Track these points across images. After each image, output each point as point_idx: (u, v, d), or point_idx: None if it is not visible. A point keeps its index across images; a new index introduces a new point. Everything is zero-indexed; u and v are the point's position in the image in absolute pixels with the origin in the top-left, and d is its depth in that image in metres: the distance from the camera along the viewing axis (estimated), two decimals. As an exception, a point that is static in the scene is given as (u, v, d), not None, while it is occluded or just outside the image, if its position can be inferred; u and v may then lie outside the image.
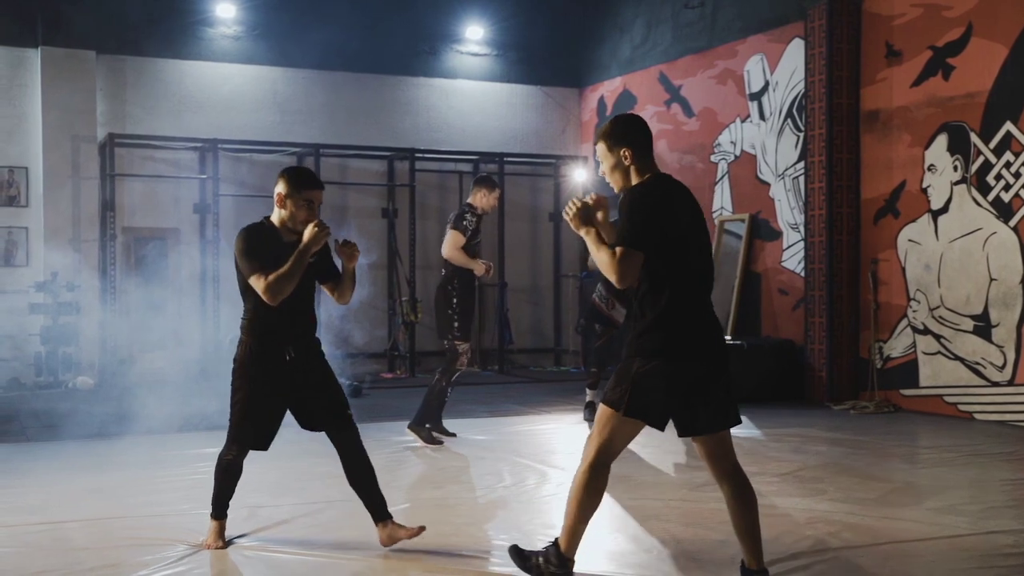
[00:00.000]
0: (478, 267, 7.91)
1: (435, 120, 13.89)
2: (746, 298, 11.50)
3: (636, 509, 5.73)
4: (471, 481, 6.56)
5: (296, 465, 6.99)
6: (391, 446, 7.57)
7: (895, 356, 9.80)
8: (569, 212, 4.03)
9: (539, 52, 14.34)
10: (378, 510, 4.73)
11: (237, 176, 12.79)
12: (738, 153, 11.78)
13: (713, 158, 12.13)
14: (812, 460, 7.14)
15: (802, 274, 10.65)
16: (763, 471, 6.74)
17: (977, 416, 8.98)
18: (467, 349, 7.88)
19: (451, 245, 7.88)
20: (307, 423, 4.78)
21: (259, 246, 4.56)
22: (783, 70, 11.09)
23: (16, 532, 5.14)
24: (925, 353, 9.51)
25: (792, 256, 10.98)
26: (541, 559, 4.08)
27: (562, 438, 8.19)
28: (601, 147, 4.08)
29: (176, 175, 12.61)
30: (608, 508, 5.75)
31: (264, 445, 4.74)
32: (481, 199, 8.00)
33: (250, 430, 4.68)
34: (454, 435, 7.97)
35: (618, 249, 3.83)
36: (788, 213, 11.05)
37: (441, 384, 7.80)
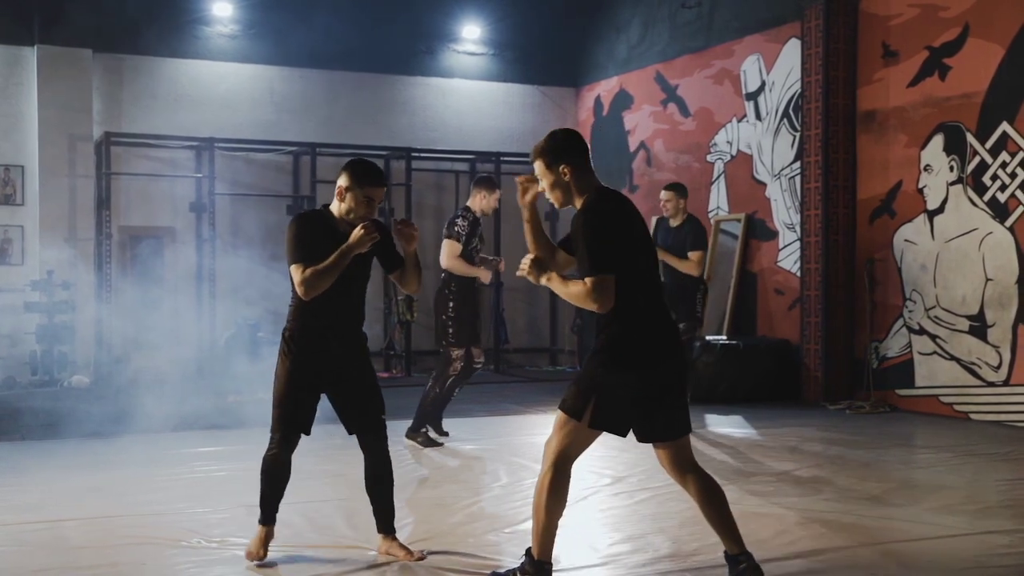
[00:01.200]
0: (482, 274, 7.78)
1: (432, 119, 13.88)
2: (742, 298, 11.51)
3: (631, 509, 5.74)
4: (468, 481, 6.56)
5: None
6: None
7: (891, 356, 9.82)
8: (524, 270, 4.03)
9: (536, 51, 14.34)
10: (385, 522, 4.69)
11: (233, 175, 12.78)
12: (734, 153, 11.80)
13: (709, 158, 12.14)
14: (808, 460, 7.15)
15: (798, 274, 10.66)
16: (759, 471, 6.75)
17: (973, 416, 9.00)
18: (460, 355, 7.74)
19: (448, 255, 7.71)
20: (347, 425, 4.66)
21: (310, 235, 4.45)
22: (779, 70, 11.10)
23: (14, 531, 5.14)
24: (921, 353, 9.53)
25: (788, 256, 10.99)
26: (518, 572, 4.09)
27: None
28: (539, 165, 4.06)
29: (172, 174, 12.60)
30: (603, 508, 5.76)
31: (306, 428, 4.57)
32: (480, 201, 7.81)
33: (289, 414, 4.50)
34: (447, 434, 7.94)
35: (588, 280, 3.87)
36: (784, 213, 11.06)
37: (435, 391, 7.68)
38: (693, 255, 8.16)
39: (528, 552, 4.07)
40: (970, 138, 9.10)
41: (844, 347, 10.19)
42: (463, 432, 8.23)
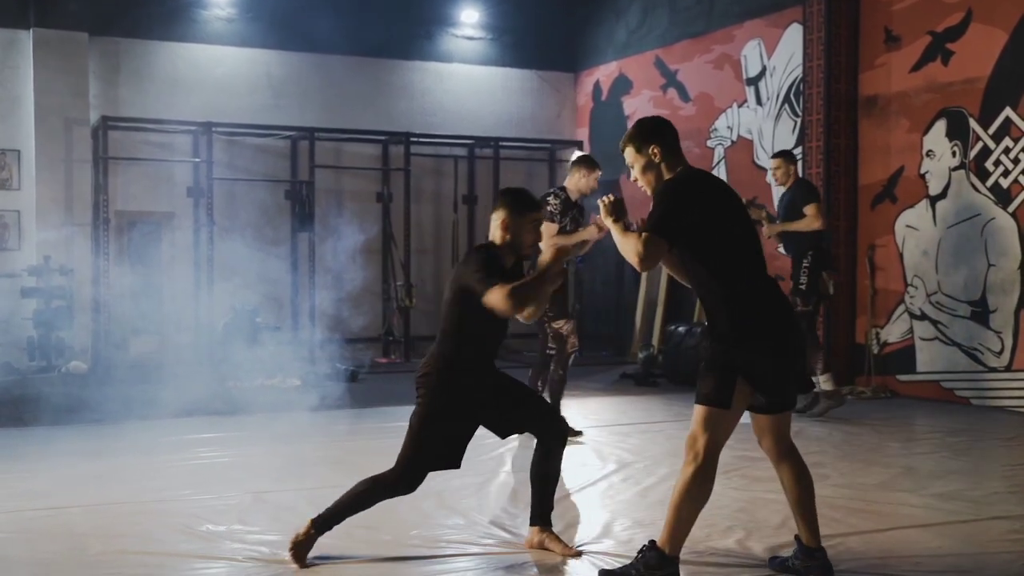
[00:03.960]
0: (589, 232, 7.17)
1: (430, 104, 13.82)
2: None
3: (640, 495, 5.72)
4: (474, 466, 6.50)
5: (297, 449, 6.98)
6: (390, 432, 7.55)
7: (892, 341, 9.82)
8: (605, 201, 4.08)
9: (534, 36, 14.27)
10: (544, 515, 4.58)
11: (231, 159, 12.72)
12: (735, 138, 11.76)
13: (709, 143, 12.10)
14: (812, 446, 7.13)
15: (799, 259, 10.63)
16: (764, 457, 6.70)
17: (974, 402, 9.00)
18: (571, 329, 7.38)
19: (546, 237, 7.10)
20: (507, 430, 4.59)
21: (495, 263, 4.31)
22: (780, 55, 11.06)
23: (18, 518, 5.10)
24: (922, 339, 9.52)
25: (789, 241, 10.94)
26: (641, 567, 3.98)
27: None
28: (630, 151, 4.10)
29: (170, 158, 12.53)
30: (612, 495, 5.75)
31: (456, 462, 4.44)
32: (579, 180, 7.38)
33: (437, 454, 4.36)
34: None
35: (644, 233, 3.87)
36: (785, 198, 11.02)
37: (559, 373, 7.32)
38: (807, 209, 8.16)
39: (654, 545, 3.97)
40: (973, 123, 9.08)
41: (845, 333, 10.18)
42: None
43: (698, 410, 3.94)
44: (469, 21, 13.98)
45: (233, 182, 12.62)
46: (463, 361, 4.39)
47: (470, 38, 14.07)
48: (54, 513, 5.19)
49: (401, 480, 4.36)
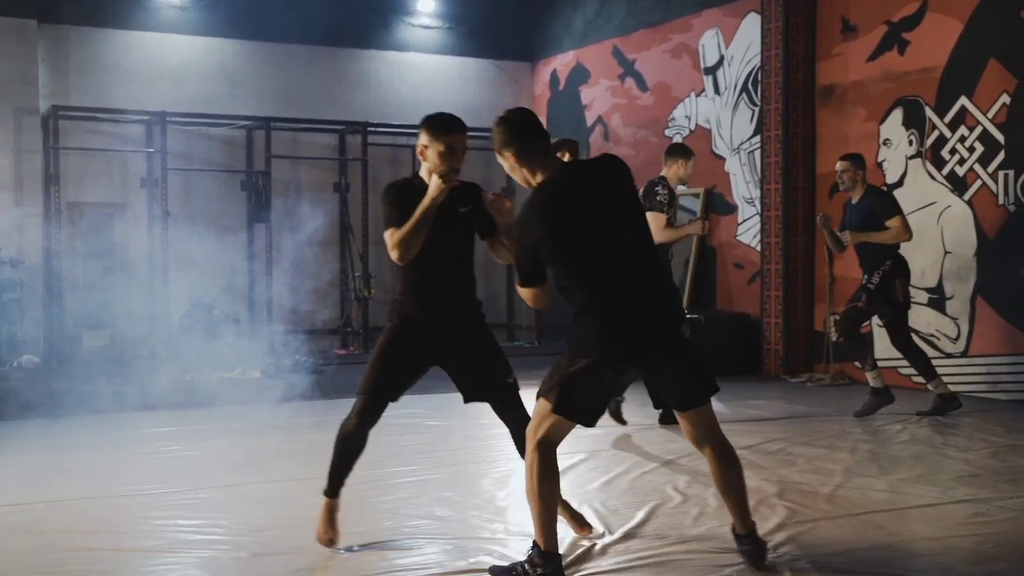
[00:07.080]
0: (694, 227, 7.14)
1: (387, 94, 13.72)
2: (701, 272, 11.54)
3: (610, 483, 5.73)
4: (440, 457, 6.51)
5: (261, 442, 6.92)
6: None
7: (850, 329, 9.90)
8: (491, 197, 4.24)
9: (491, 25, 14.22)
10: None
11: (186, 150, 12.53)
12: (693, 127, 11.80)
13: (667, 132, 12.14)
14: (776, 432, 7.20)
15: (757, 248, 10.72)
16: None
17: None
18: None
19: (656, 229, 6.81)
20: (467, 393, 4.51)
21: (402, 201, 4.23)
22: (738, 44, 11.11)
23: (-20, 515, 4.99)
24: (880, 326, 9.60)
25: (747, 230, 11.04)
26: (526, 566, 3.92)
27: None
28: (497, 154, 4.03)
29: (122, 148, 12.32)
30: (581, 483, 5.74)
31: (395, 395, 4.37)
32: (679, 169, 7.24)
33: (380, 381, 4.29)
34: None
35: (518, 286, 3.98)
36: (743, 187, 11.10)
37: None
38: (893, 222, 7.67)
39: (535, 544, 3.91)
40: (929, 112, 9.19)
41: (804, 320, 10.29)
42: (430, 408, 8.13)
43: (538, 403, 3.93)
44: (426, 10, 13.90)
45: (188, 172, 12.44)
46: (409, 292, 4.36)
47: (427, 27, 13.98)
48: (18, 509, 5.08)
49: (354, 412, 4.33)
